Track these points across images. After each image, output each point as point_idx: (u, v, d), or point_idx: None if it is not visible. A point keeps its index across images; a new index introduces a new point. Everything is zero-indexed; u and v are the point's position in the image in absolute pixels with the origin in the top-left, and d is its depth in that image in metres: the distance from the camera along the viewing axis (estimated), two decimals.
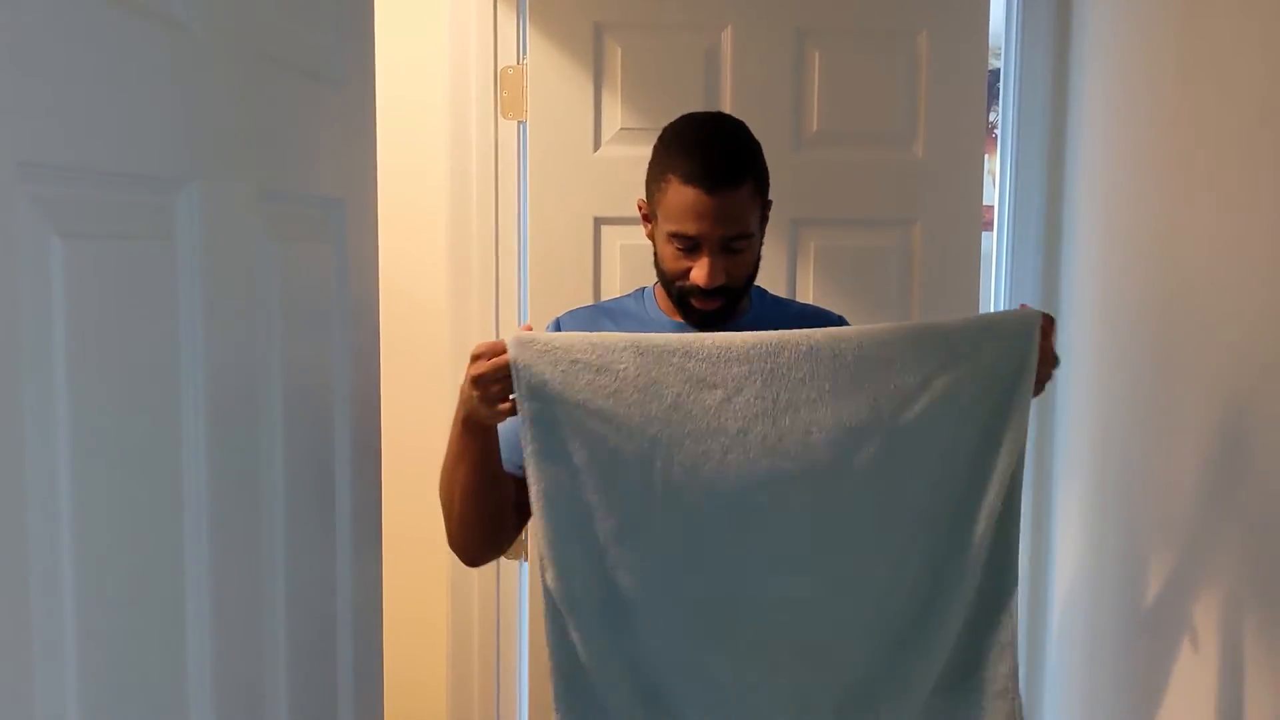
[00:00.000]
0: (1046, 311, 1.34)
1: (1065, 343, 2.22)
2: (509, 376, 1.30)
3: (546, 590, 1.30)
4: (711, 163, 1.42)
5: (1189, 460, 1.63)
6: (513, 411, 1.32)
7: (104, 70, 0.77)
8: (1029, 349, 1.26)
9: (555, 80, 2.18)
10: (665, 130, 1.53)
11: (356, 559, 1.24)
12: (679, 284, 1.48)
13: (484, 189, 2.25)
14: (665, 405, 1.26)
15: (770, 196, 1.53)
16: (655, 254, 1.53)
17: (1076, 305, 2.16)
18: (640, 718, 1.33)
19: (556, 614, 1.29)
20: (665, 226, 1.46)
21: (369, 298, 1.29)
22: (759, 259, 1.53)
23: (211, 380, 0.91)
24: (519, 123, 2.24)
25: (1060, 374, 2.23)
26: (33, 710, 0.70)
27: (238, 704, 0.98)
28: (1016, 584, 1.28)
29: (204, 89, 0.91)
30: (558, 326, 1.61)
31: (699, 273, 1.45)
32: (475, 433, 1.40)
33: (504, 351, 1.31)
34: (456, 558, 1.54)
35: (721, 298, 1.48)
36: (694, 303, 1.48)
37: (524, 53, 2.22)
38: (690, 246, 1.45)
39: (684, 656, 1.32)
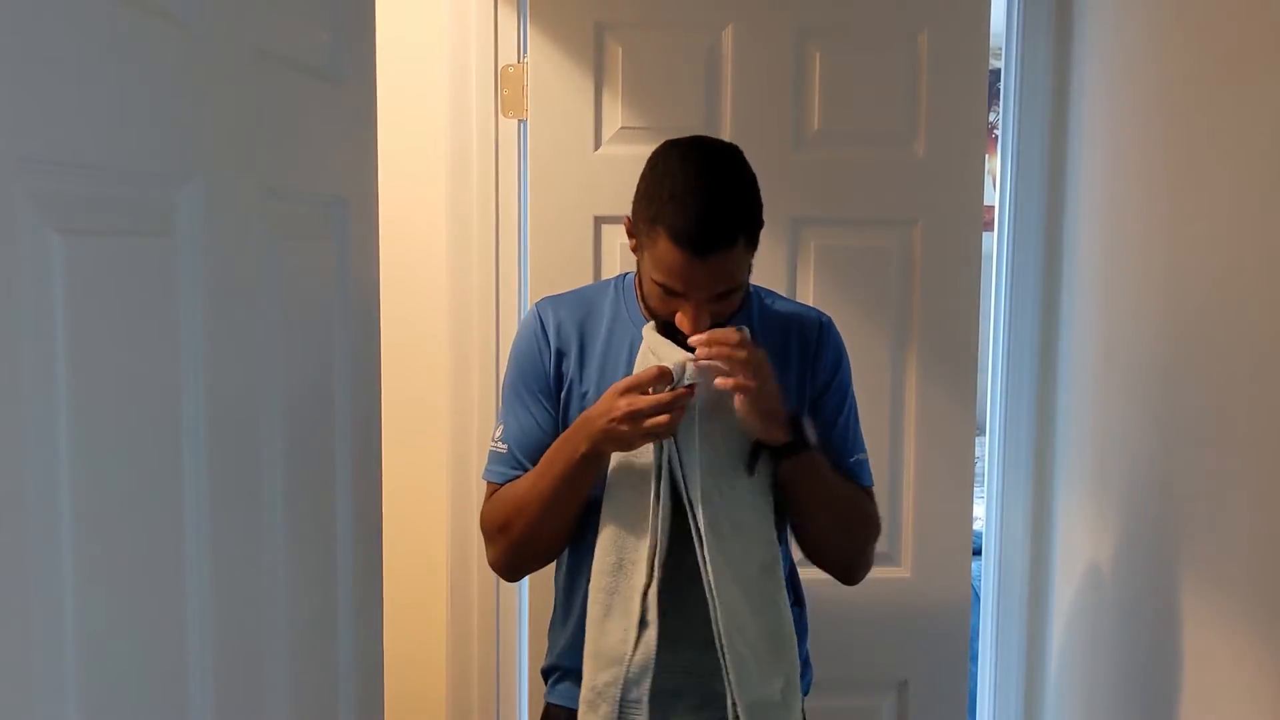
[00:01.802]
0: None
1: (1065, 343, 2.22)
2: (668, 409, 1.39)
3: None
4: (703, 226, 1.39)
5: (1191, 461, 1.63)
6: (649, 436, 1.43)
7: (104, 66, 0.77)
8: None
9: (556, 79, 2.18)
10: (656, 160, 1.48)
11: (356, 555, 1.24)
12: (664, 319, 1.49)
13: (484, 187, 2.25)
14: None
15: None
16: (639, 278, 1.53)
17: (1077, 305, 2.16)
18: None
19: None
20: (652, 272, 1.46)
21: (370, 295, 1.28)
22: (748, 291, 1.55)
23: (212, 377, 0.91)
24: (519, 121, 2.24)
25: (1060, 376, 2.25)
26: (33, 713, 0.70)
27: (238, 701, 0.98)
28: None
29: (204, 85, 0.91)
30: (540, 318, 1.60)
31: (685, 321, 1.45)
32: (596, 463, 1.47)
33: (659, 380, 1.40)
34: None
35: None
36: (680, 335, 1.47)
37: (524, 51, 2.22)
38: (677, 295, 1.45)
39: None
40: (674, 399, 1.40)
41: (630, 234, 1.51)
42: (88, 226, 0.76)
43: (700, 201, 1.40)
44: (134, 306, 0.82)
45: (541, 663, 1.68)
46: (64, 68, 0.72)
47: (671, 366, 1.42)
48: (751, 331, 1.51)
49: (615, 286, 1.63)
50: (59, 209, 0.72)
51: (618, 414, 1.40)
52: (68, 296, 0.72)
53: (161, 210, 0.86)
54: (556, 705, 1.61)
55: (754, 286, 1.62)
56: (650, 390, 1.41)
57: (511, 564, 1.61)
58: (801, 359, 1.59)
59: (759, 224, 1.46)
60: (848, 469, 1.61)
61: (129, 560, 0.82)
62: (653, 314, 1.52)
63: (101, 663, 0.78)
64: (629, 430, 1.40)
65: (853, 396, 1.64)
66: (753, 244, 1.46)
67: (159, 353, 0.85)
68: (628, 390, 1.41)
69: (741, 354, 1.40)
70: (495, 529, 1.57)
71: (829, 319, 1.65)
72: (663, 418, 1.39)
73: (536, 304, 1.64)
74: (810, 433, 1.52)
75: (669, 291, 1.45)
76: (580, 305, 1.61)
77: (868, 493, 1.64)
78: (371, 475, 1.30)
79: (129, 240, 0.82)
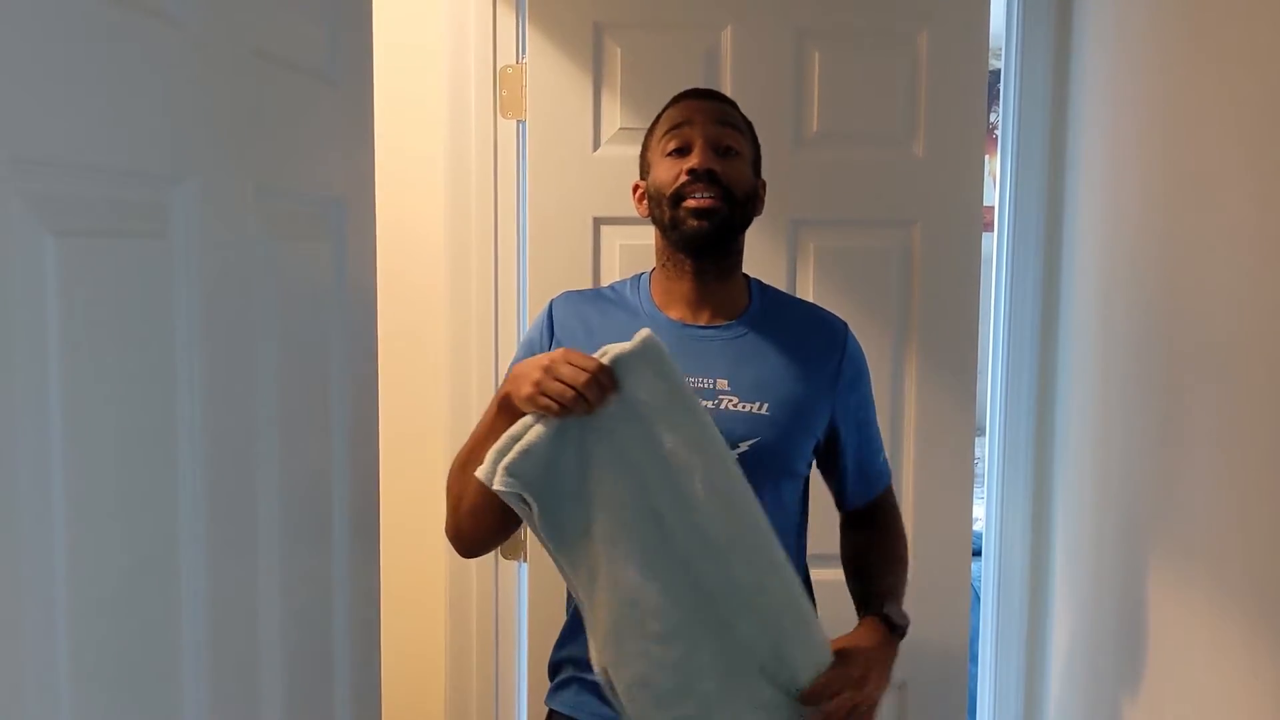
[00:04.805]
0: None
1: (1064, 345, 2.21)
2: (599, 378, 1.30)
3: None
4: (700, 90, 1.62)
5: (1191, 463, 1.63)
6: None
7: (98, 66, 0.77)
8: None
9: (554, 80, 2.18)
10: None
11: (354, 558, 1.24)
12: (675, 188, 1.51)
13: (483, 188, 2.25)
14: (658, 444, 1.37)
15: (770, 196, 1.60)
16: (652, 201, 1.56)
17: (1076, 307, 2.15)
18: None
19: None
20: (661, 144, 1.55)
21: (367, 297, 1.28)
22: (755, 194, 1.57)
23: (207, 379, 0.91)
24: (518, 122, 2.24)
25: (1060, 377, 2.25)
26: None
27: (234, 703, 0.98)
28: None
29: (200, 85, 0.90)
30: (550, 310, 1.62)
31: (692, 158, 1.50)
32: (508, 414, 1.37)
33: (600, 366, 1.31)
34: (451, 556, 1.55)
35: (717, 195, 1.49)
36: (690, 203, 1.49)
37: (523, 52, 2.22)
38: (684, 146, 1.53)
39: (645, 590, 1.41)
40: (591, 376, 1.30)
41: (641, 198, 1.59)
42: (82, 227, 0.76)
43: (696, 87, 1.64)
44: (129, 308, 0.82)
45: (540, 668, 1.66)
46: (58, 68, 0.72)
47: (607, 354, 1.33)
48: (758, 314, 1.59)
49: (630, 284, 1.67)
50: (53, 210, 0.72)
51: (544, 362, 1.32)
52: (62, 298, 0.72)
53: (156, 211, 0.86)
54: (558, 713, 1.57)
55: (757, 281, 1.66)
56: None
57: (453, 528, 1.51)
58: (826, 357, 1.60)
59: (755, 136, 1.61)
60: (879, 468, 1.69)
61: (123, 560, 0.81)
62: (665, 201, 1.53)
63: (93, 669, 0.78)
64: (538, 379, 1.31)
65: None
66: (750, 134, 1.59)
67: (154, 355, 0.85)
68: (567, 354, 1.33)
69: (866, 696, 1.42)
70: (448, 490, 1.51)
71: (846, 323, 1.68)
72: (568, 389, 1.29)
73: (552, 298, 1.67)
74: (898, 615, 1.55)
75: (676, 139, 1.53)
76: (593, 299, 1.65)
77: (888, 490, 1.72)
78: (369, 476, 1.30)
79: (124, 241, 0.82)
